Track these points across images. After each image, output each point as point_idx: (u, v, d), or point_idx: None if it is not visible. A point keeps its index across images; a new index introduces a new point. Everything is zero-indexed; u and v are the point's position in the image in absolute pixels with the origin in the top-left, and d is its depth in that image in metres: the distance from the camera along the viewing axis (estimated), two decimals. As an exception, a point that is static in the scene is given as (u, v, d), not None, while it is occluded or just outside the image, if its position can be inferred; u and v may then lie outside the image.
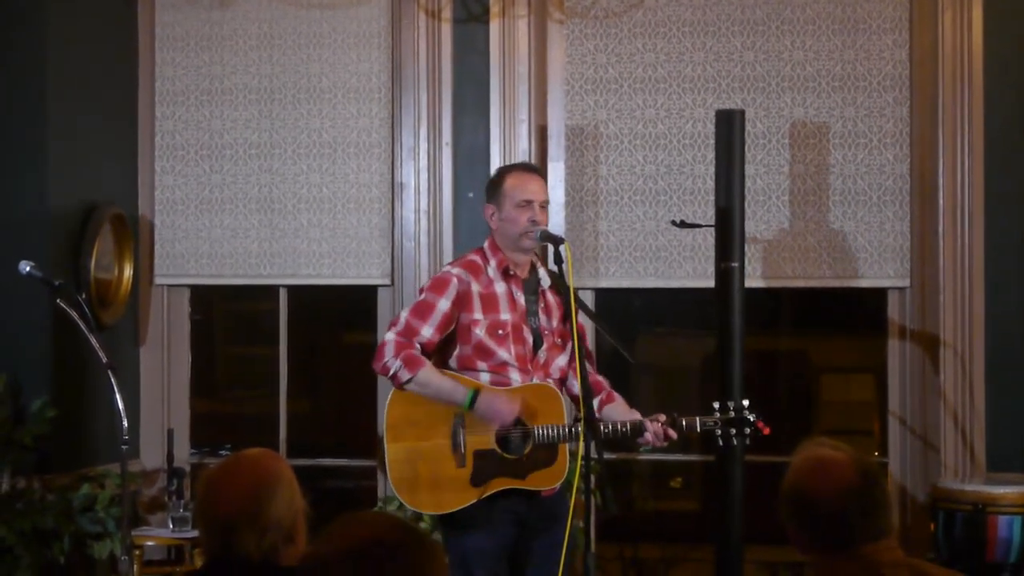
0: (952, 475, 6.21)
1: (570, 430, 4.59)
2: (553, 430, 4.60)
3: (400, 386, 4.65)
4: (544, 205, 4.75)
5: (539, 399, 4.64)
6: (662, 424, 4.60)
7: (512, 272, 4.74)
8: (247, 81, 6.79)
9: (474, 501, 4.61)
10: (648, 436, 4.62)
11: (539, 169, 4.88)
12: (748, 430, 4.67)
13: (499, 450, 4.62)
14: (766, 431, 4.70)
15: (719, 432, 4.68)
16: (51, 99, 6.16)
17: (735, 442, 4.69)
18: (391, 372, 4.62)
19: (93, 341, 4.92)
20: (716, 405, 4.70)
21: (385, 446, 4.70)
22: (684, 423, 4.64)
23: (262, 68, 6.78)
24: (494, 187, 4.83)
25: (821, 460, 2.90)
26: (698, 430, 4.69)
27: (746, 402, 4.70)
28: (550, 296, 4.81)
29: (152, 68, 6.81)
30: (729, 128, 5.71)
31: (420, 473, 4.65)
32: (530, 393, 4.64)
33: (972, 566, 5.68)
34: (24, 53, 6.14)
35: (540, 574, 4.70)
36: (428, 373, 4.63)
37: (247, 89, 6.79)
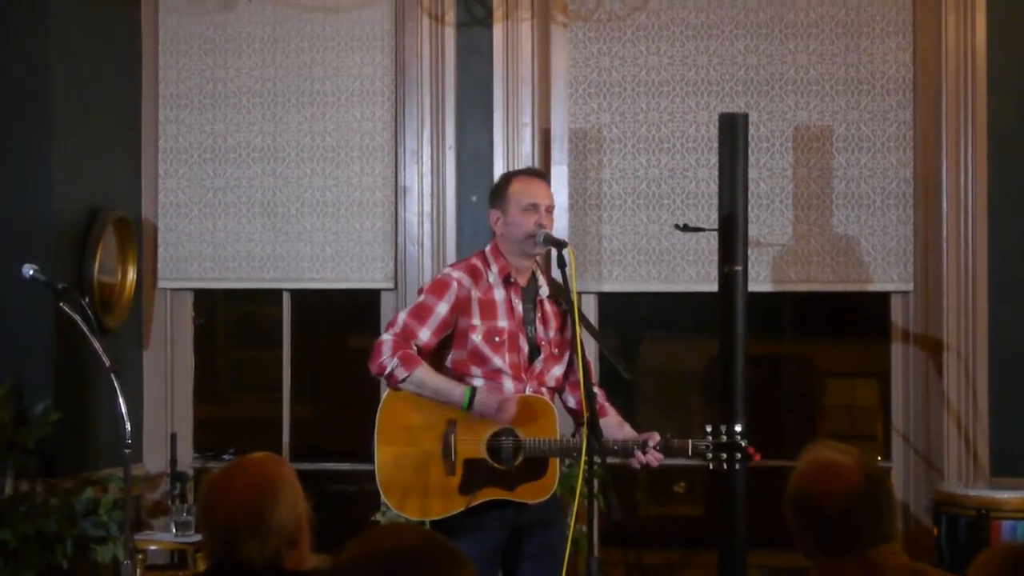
0: (955, 480, 6.20)
1: (561, 444, 4.58)
2: (544, 443, 4.58)
3: (396, 385, 4.61)
4: (550, 209, 4.73)
5: (532, 411, 4.62)
6: (653, 446, 4.58)
7: (513, 280, 4.73)
8: (250, 84, 6.78)
9: (461, 509, 4.60)
10: (635, 463, 4.60)
11: (544, 173, 4.87)
12: (739, 455, 4.64)
13: (489, 460, 4.60)
14: (757, 457, 4.68)
15: (710, 456, 4.65)
16: (55, 102, 6.16)
17: (725, 467, 4.66)
18: (388, 370, 4.58)
19: (96, 344, 4.92)
20: (708, 428, 4.66)
21: (375, 448, 4.69)
22: (676, 446, 4.63)
23: (265, 72, 6.78)
24: (498, 192, 4.80)
25: (826, 463, 2.90)
26: (689, 454, 4.66)
27: (739, 427, 4.66)
28: (548, 306, 4.79)
29: (155, 71, 6.81)
30: (732, 132, 5.70)
31: (409, 478, 4.65)
32: (524, 404, 4.62)
33: (976, 571, 5.66)
34: (28, 56, 6.14)
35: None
36: (425, 372, 4.60)
37: (250, 92, 6.78)
